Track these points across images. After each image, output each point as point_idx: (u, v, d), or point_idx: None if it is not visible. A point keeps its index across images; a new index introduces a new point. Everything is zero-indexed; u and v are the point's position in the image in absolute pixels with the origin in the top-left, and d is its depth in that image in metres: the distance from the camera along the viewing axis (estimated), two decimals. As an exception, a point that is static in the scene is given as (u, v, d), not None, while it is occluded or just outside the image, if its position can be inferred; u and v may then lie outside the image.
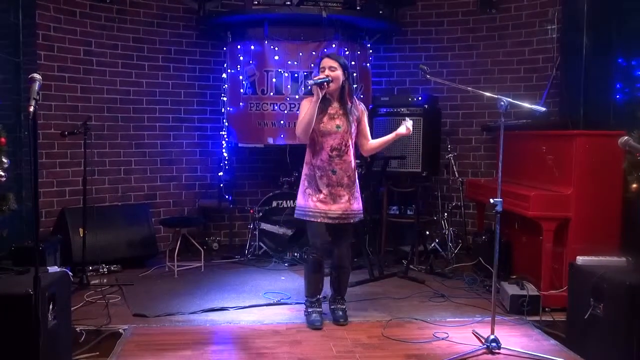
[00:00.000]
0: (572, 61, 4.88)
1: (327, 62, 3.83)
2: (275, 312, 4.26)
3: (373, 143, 4.02)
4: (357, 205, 3.93)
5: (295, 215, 4.00)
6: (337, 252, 4.02)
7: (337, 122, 3.84)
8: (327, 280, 4.14)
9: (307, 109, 3.77)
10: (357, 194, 3.95)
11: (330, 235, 3.91)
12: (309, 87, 3.76)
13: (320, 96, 3.74)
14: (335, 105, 3.86)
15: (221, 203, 6.18)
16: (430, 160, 5.65)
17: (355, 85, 5.80)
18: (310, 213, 3.86)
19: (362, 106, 4.00)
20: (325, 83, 3.73)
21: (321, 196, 3.83)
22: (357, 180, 3.96)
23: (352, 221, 3.92)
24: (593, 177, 4.19)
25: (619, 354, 3.16)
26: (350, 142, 3.88)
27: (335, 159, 3.83)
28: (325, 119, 3.83)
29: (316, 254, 3.95)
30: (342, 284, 4.09)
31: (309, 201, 3.86)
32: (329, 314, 4.09)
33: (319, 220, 3.85)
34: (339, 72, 3.81)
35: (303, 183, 3.94)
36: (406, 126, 3.87)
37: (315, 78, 3.77)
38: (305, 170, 3.94)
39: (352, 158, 3.90)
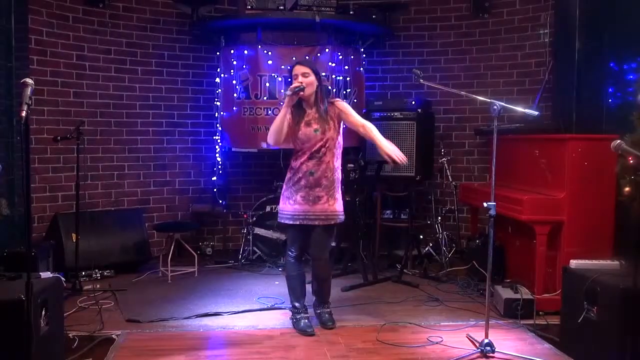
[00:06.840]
0: (564, 65, 4.91)
1: (299, 69, 3.84)
2: (269, 316, 4.25)
3: (371, 129, 3.81)
4: (338, 206, 3.91)
5: (278, 220, 4.03)
6: (317, 264, 3.97)
7: (315, 126, 3.84)
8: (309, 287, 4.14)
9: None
10: (338, 195, 3.92)
11: (308, 242, 3.91)
12: (284, 97, 3.78)
13: (294, 102, 3.80)
14: (311, 111, 3.87)
15: (215, 208, 6.16)
16: (424, 165, 5.66)
17: (348, 90, 5.82)
18: (288, 216, 3.88)
19: (339, 102, 3.94)
20: (299, 91, 3.77)
21: (298, 198, 3.84)
22: (337, 182, 3.93)
23: (332, 223, 3.89)
24: (586, 180, 4.21)
25: (613, 357, 3.16)
26: (331, 144, 3.85)
27: (313, 161, 3.83)
28: (302, 126, 3.85)
29: (293, 252, 3.96)
30: (324, 292, 4.08)
31: (286, 204, 3.90)
32: (314, 317, 4.07)
33: (297, 223, 3.86)
34: (312, 78, 3.82)
35: (283, 187, 3.98)
36: (399, 158, 3.68)
37: (290, 87, 3.78)
38: (287, 174, 3.97)
39: (331, 159, 3.87)
